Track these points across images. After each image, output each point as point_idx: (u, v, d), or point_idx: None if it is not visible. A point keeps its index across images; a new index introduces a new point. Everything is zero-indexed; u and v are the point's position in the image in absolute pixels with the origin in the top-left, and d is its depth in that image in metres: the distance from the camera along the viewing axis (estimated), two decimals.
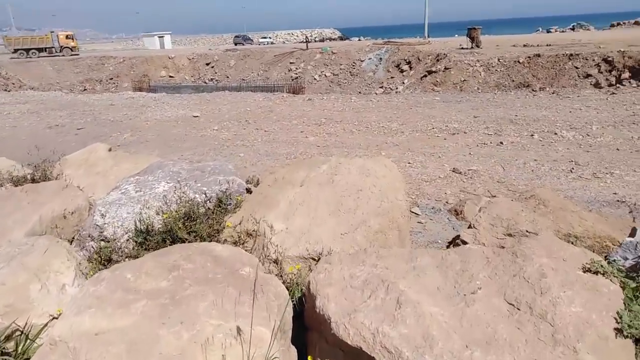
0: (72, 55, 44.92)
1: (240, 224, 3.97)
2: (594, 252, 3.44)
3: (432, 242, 4.68)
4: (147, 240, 3.81)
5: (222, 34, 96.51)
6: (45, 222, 4.08)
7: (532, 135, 10.08)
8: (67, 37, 48.34)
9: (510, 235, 3.70)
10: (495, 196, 6.54)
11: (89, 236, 4.01)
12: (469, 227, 4.09)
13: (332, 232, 3.71)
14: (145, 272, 2.76)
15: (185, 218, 3.92)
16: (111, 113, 15.00)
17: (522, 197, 4.34)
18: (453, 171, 7.75)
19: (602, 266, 2.45)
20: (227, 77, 34.88)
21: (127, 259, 3.71)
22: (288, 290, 2.82)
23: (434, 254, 2.89)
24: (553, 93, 16.79)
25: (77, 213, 4.38)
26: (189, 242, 3.62)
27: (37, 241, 3.47)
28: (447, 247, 4.29)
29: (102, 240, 3.94)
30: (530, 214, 3.86)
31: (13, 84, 33.90)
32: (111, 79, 37.02)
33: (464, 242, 3.84)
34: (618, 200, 6.02)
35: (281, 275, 3.47)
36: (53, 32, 48.27)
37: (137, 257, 3.59)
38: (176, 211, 3.98)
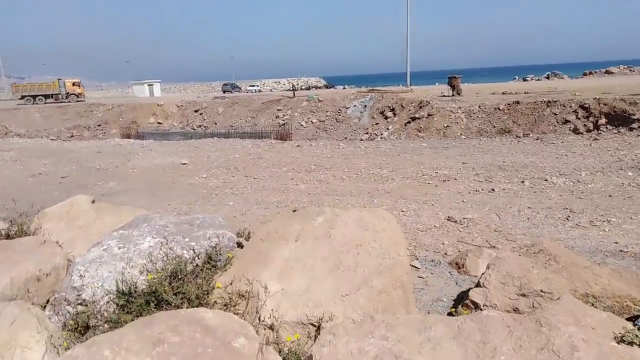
0: (77, 101, 45.32)
1: (231, 284, 3.68)
2: (614, 312, 3.22)
3: (436, 299, 4.42)
4: (130, 302, 3.49)
5: (210, 82, 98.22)
6: (17, 285, 3.74)
7: (522, 181, 10.05)
8: (73, 84, 49.21)
9: (523, 295, 3.47)
10: (494, 246, 6.35)
11: (64, 300, 3.68)
12: (477, 285, 3.86)
13: (332, 293, 3.43)
14: (125, 347, 2.45)
15: (172, 277, 3.62)
16: (97, 161, 14.71)
17: (529, 251, 4.14)
18: (448, 220, 7.58)
19: (637, 336, 2.23)
20: (216, 123, 35.03)
21: (106, 324, 3.39)
22: None
23: (448, 322, 2.64)
24: (537, 139, 17.06)
25: (53, 273, 4.06)
26: (176, 305, 3.32)
27: (5, 308, 3.13)
28: (454, 306, 4.03)
29: (80, 303, 3.62)
30: (543, 271, 3.66)
31: None
32: (99, 125, 36.90)
33: (475, 304, 3.59)
34: (621, 251, 5.86)
35: (277, 344, 3.16)
36: (60, 79, 48.92)
37: (118, 323, 3.26)
38: (162, 269, 3.70)
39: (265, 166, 13.05)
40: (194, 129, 34.86)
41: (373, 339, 2.41)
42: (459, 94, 26.91)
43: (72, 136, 34.05)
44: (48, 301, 3.90)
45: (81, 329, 3.40)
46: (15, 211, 5.10)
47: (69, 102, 45.69)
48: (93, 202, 5.83)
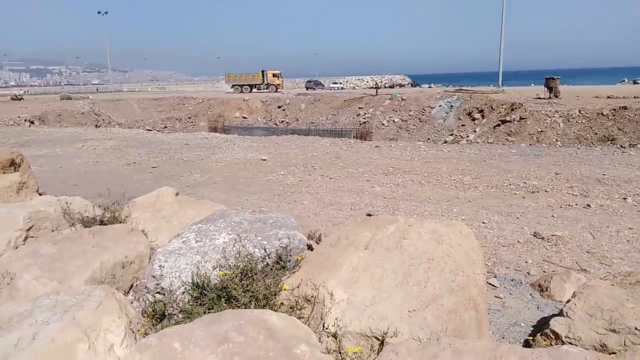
0: (276, 91, 48.95)
1: (298, 287, 3.69)
2: None
3: (513, 324, 4.10)
4: (203, 295, 3.65)
5: (295, 78, 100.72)
6: (105, 269, 4.04)
7: (624, 198, 9.05)
8: (273, 75, 54.14)
9: (614, 331, 3.10)
10: (585, 270, 5.79)
11: (145, 287, 3.93)
12: (560, 313, 3.52)
13: (399, 307, 3.31)
14: (193, 342, 2.56)
15: (243, 275, 3.72)
16: (185, 153, 15.67)
17: (624, 280, 3.70)
18: (534, 235, 7.02)
19: None
20: (297, 119, 35.85)
21: (180, 313, 3.56)
22: None
23: (522, 354, 2.42)
24: None
25: (137, 260, 4.33)
26: (244, 302, 3.40)
27: (93, 292, 3.38)
28: (532, 334, 3.71)
29: (158, 292, 3.84)
30: (639, 306, 3.24)
31: (103, 120, 37.05)
32: (189, 118, 39.43)
33: (556, 334, 3.28)
34: None
35: (340, 352, 3.12)
36: (264, 71, 53.90)
37: (191, 314, 3.42)
38: (235, 266, 3.81)
39: (342, 166, 13.05)
40: (276, 124, 35.97)
41: None
42: (556, 97, 24.99)
43: (165, 127, 36.74)
44: (131, 287, 4.18)
45: (158, 316, 3.58)
46: (110, 198, 5.54)
47: (269, 91, 49.92)
48: (177, 194, 6.17)
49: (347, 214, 8.53)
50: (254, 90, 50.49)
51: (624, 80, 48.58)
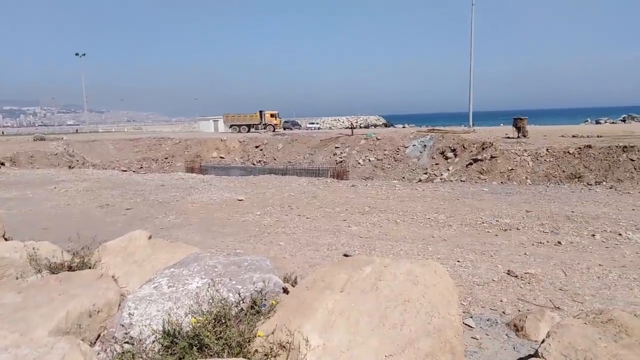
0: (273, 132, 48.60)
1: (273, 333, 3.61)
2: None
3: None
4: (174, 344, 3.52)
5: None
6: (71, 319, 3.88)
7: (593, 235, 9.31)
8: (271, 115, 54.26)
9: None
10: (558, 307, 5.85)
11: (113, 337, 3.78)
12: (536, 354, 3.52)
13: (375, 352, 3.27)
14: None
15: (216, 321, 3.63)
16: (160, 194, 15.47)
17: (597, 319, 3.75)
18: (508, 274, 7.11)
19: None
20: (275, 159, 36.02)
21: None
22: None
23: None
24: (611, 188, 15.90)
25: (106, 308, 4.18)
26: (217, 351, 3.31)
27: (56, 344, 3.23)
28: None
29: (127, 341, 3.70)
30: (611, 345, 3.28)
31: (77, 161, 36.45)
32: (166, 158, 39.14)
33: None
34: None
35: None
36: (262, 111, 54.01)
37: None
38: (208, 312, 3.71)
39: (319, 205, 13.08)
40: (254, 164, 36.01)
41: None
42: (524, 136, 25.89)
43: (141, 167, 36.32)
44: (98, 337, 4.02)
45: None
46: (80, 242, 5.39)
47: (266, 131, 49.92)
48: (150, 237, 6.05)
49: (324, 255, 8.49)
50: (252, 130, 50.88)
51: (587, 120, 50.94)
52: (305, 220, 11.43)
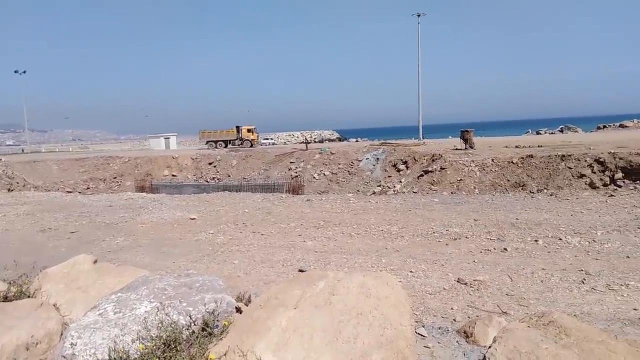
0: (249, 147, 47.55)
1: (225, 354, 3.54)
2: None
3: None
4: None
5: None
6: (6, 353, 3.64)
7: (536, 240, 9.79)
8: (248, 130, 52.55)
9: None
10: (505, 312, 6.08)
11: None
12: (484, 359, 3.64)
13: None
14: None
15: (166, 346, 3.51)
16: (108, 215, 14.86)
17: (539, 321, 3.93)
18: (458, 281, 7.33)
19: None
20: (229, 175, 35.52)
21: None
22: None
23: None
24: (551, 195, 16.82)
25: (46, 339, 3.96)
26: None
27: None
28: None
29: None
30: (552, 346, 3.44)
31: (17, 183, 34.38)
32: (115, 178, 37.67)
33: None
34: None
35: None
36: (238, 127, 52.34)
37: None
38: (157, 337, 3.59)
39: (274, 221, 13.00)
40: (207, 181, 35.33)
41: None
42: (471, 147, 26.98)
43: (87, 188, 34.74)
44: None
45: None
46: (19, 270, 5.07)
47: (243, 146, 48.54)
48: (95, 262, 5.79)
49: (279, 271, 8.42)
50: (229, 146, 50.07)
51: (528, 131, 53.72)
52: (259, 237, 11.32)
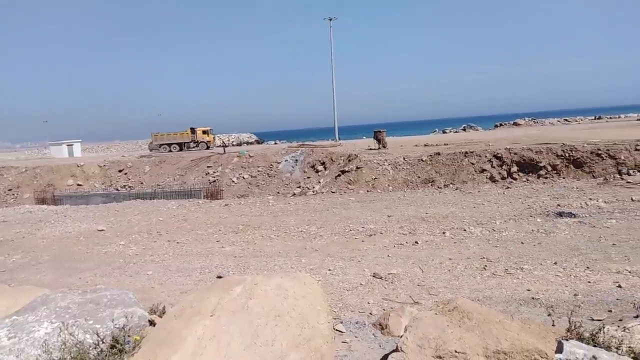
0: (207, 149, 45.71)
1: None
2: None
3: None
4: None
5: (137, 139, 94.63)
6: None
7: (443, 233, 10.48)
8: (204, 132, 48.30)
9: (440, 357, 3.48)
10: (417, 302, 6.44)
11: None
12: (396, 349, 3.83)
13: None
14: None
15: None
16: (2, 231, 13.45)
17: (445, 308, 4.21)
18: (373, 276, 7.64)
19: None
20: (142, 183, 33.66)
21: None
22: None
23: None
24: (456, 189, 18.08)
25: None
26: None
27: None
28: None
29: None
30: (457, 330, 3.71)
31: None
32: (10, 190, 34.04)
33: None
34: (533, 298, 6.17)
35: None
36: (193, 128, 47.93)
37: None
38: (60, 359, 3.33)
39: (190, 228, 12.60)
40: (117, 189, 33.22)
41: None
42: (384, 147, 28.12)
43: None
44: None
45: None
46: None
47: (199, 149, 45.39)
48: None
49: (196, 280, 8.18)
50: (184, 148, 47.20)
51: (435, 130, 57.18)
52: (175, 245, 10.90)
